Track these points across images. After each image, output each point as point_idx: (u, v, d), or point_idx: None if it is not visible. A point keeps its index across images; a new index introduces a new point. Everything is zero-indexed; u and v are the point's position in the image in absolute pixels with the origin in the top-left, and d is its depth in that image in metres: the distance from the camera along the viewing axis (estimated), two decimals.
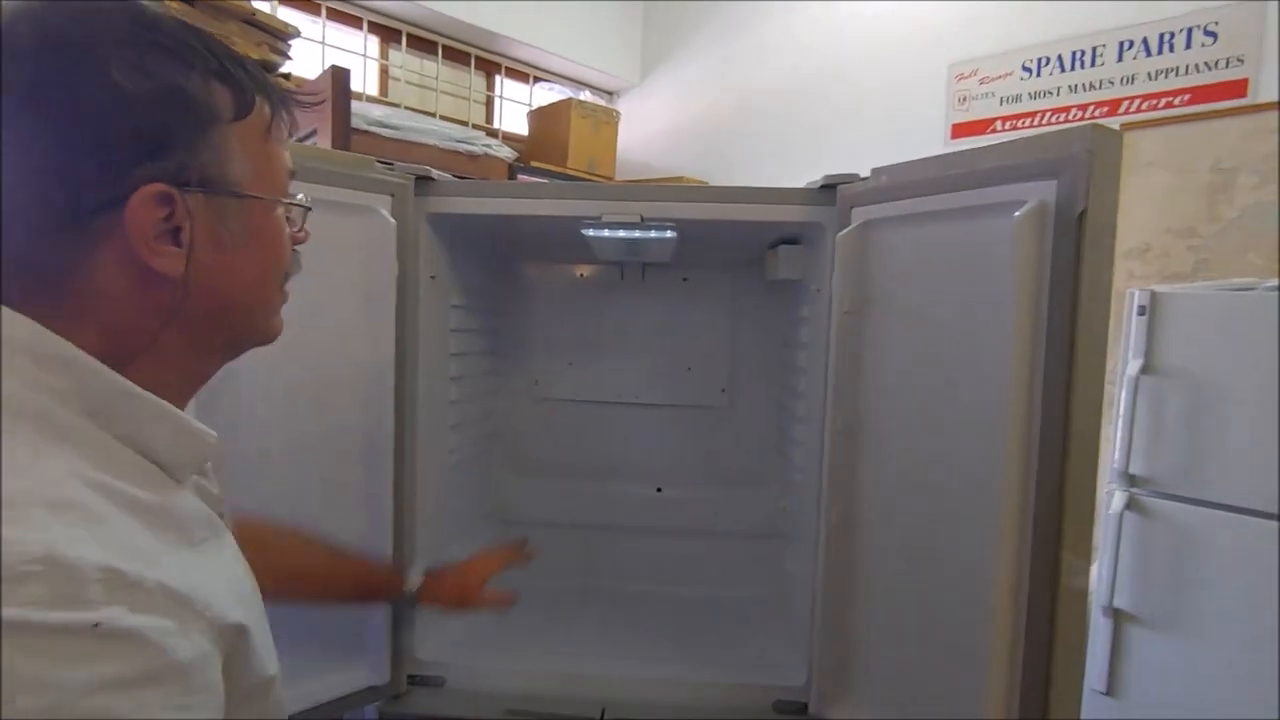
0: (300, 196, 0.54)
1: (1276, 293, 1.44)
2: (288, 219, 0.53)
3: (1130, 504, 1.59)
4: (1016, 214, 0.81)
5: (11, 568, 0.34)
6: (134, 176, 0.42)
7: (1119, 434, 1.60)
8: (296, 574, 0.87)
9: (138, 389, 0.45)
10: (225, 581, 0.48)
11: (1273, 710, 1.40)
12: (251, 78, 0.48)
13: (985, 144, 2.46)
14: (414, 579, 1.00)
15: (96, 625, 0.36)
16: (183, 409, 0.50)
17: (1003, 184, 0.85)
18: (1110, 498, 1.61)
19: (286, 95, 0.52)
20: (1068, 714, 0.84)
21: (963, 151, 0.92)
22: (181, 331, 0.47)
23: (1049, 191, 0.80)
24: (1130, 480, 1.60)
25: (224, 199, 0.47)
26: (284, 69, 2.15)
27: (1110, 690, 1.62)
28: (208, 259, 0.46)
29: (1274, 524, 1.42)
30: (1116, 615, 1.60)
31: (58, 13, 0.42)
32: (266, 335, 0.55)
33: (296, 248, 0.55)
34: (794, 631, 1.37)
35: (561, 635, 1.41)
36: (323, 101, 1.57)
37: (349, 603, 1.02)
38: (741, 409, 1.66)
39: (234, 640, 0.45)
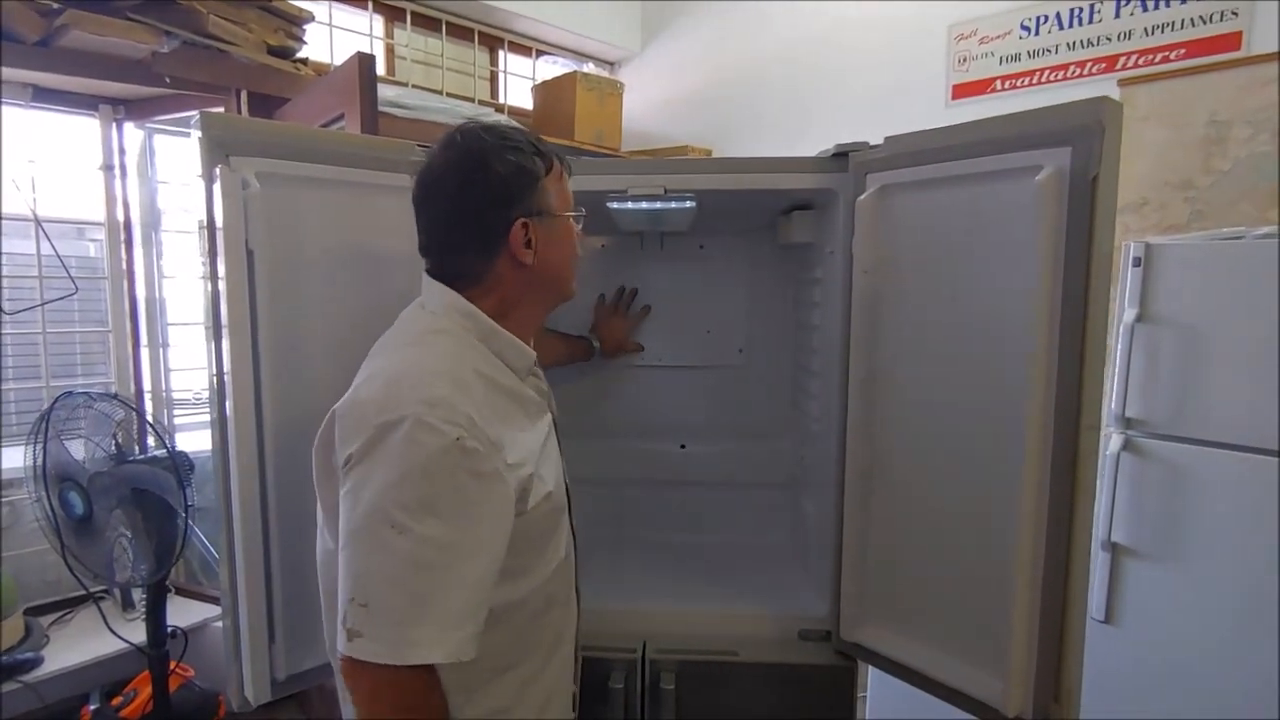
0: (582, 211, 0.97)
1: (1266, 240, 1.52)
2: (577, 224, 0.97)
3: (1126, 445, 1.69)
4: (1038, 178, 0.90)
5: (428, 400, 0.76)
6: (513, 215, 0.87)
7: (1115, 380, 1.70)
8: (545, 350, 1.42)
9: (499, 327, 0.90)
10: (537, 444, 0.91)
11: (1256, 631, 1.52)
12: (546, 149, 0.91)
13: (987, 104, 2.53)
14: (596, 342, 1.64)
15: (458, 439, 0.76)
16: (528, 339, 0.95)
17: (1016, 151, 0.94)
18: (1108, 440, 1.71)
19: (561, 152, 0.95)
20: (1078, 639, 0.95)
21: (977, 121, 1.01)
22: (533, 297, 0.93)
23: (1063, 158, 0.89)
24: (1126, 423, 1.70)
25: (546, 218, 0.90)
26: (300, 54, 2.20)
27: (1108, 618, 1.74)
28: (544, 251, 0.90)
29: (1260, 458, 1.52)
30: (1114, 549, 1.72)
31: (465, 137, 0.88)
32: (568, 295, 0.99)
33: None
34: (812, 570, 1.48)
35: (600, 579, 1.52)
36: None
37: (569, 363, 1.62)
38: (758, 367, 1.76)
39: (527, 482, 0.84)
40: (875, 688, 2.08)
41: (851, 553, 1.20)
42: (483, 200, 0.86)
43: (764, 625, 1.33)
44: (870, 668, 1.30)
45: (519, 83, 3.38)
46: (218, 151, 0.99)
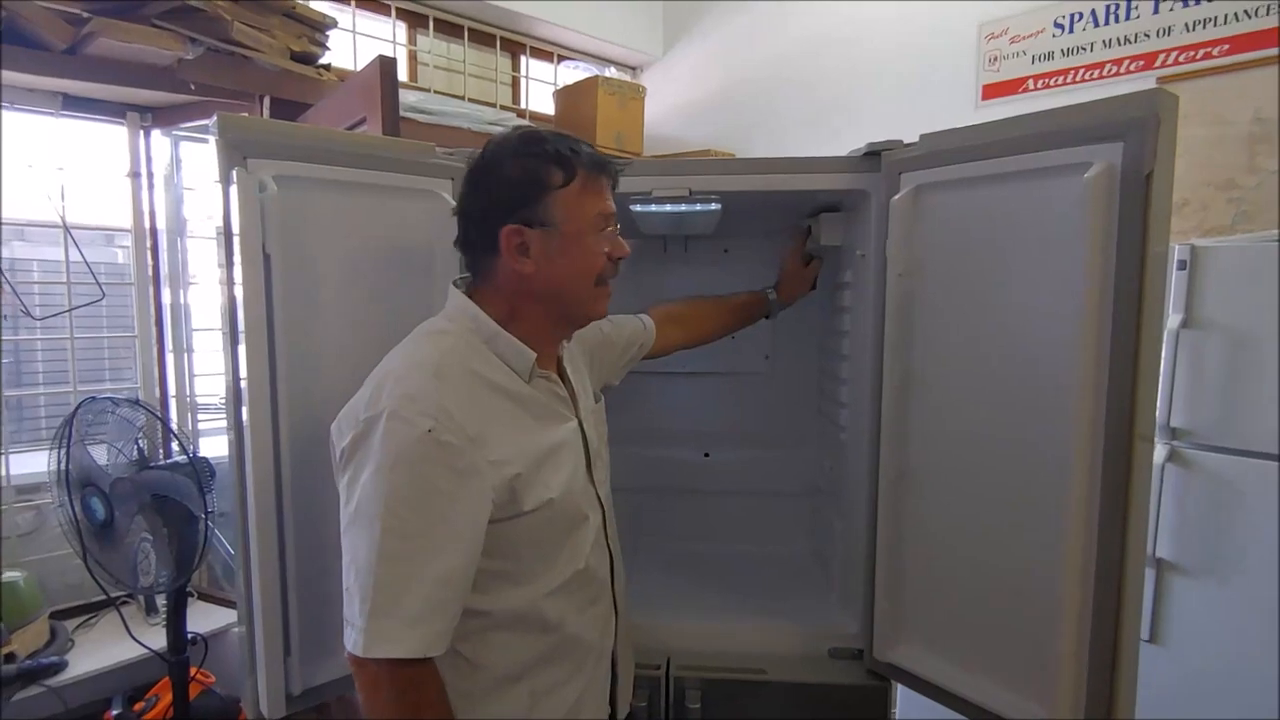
0: (609, 230, 0.92)
1: None
2: (606, 244, 0.91)
3: (1171, 456, 1.62)
4: (1087, 175, 0.85)
5: (406, 394, 0.79)
6: (505, 220, 0.86)
7: (1159, 388, 1.63)
8: (709, 319, 1.41)
9: (502, 330, 0.88)
10: (540, 447, 0.87)
11: None
12: (579, 158, 0.88)
13: (1018, 104, 2.46)
14: (770, 293, 1.48)
15: (430, 430, 0.77)
16: (548, 351, 0.93)
17: (1064, 147, 0.89)
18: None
19: (606, 162, 0.91)
20: (1132, 662, 0.90)
21: (1020, 116, 0.96)
22: (537, 306, 0.90)
23: (1114, 153, 0.84)
24: (1171, 433, 1.62)
25: (548, 230, 0.87)
26: (322, 60, 2.21)
27: (1153, 637, 1.66)
28: (545, 264, 0.87)
29: None
30: (1159, 565, 1.64)
31: (497, 139, 0.90)
32: (588, 316, 0.95)
33: (619, 260, 0.93)
34: (840, 584, 1.43)
35: None
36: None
37: (746, 324, 1.48)
38: (783, 374, 1.71)
39: (515, 482, 0.82)
40: (904, 706, 2.01)
41: (885, 568, 1.15)
42: (483, 201, 0.88)
43: (792, 642, 1.28)
44: (899, 686, 1.25)
45: (541, 88, 3.38)
46: (235, 154, 0.97)
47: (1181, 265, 1.60)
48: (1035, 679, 0.95)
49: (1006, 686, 1.00)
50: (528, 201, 0.86)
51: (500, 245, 0.86)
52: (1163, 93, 0.83)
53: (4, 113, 2.02)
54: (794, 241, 1.53)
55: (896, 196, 1.09)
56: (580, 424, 0.97)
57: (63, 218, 2.17)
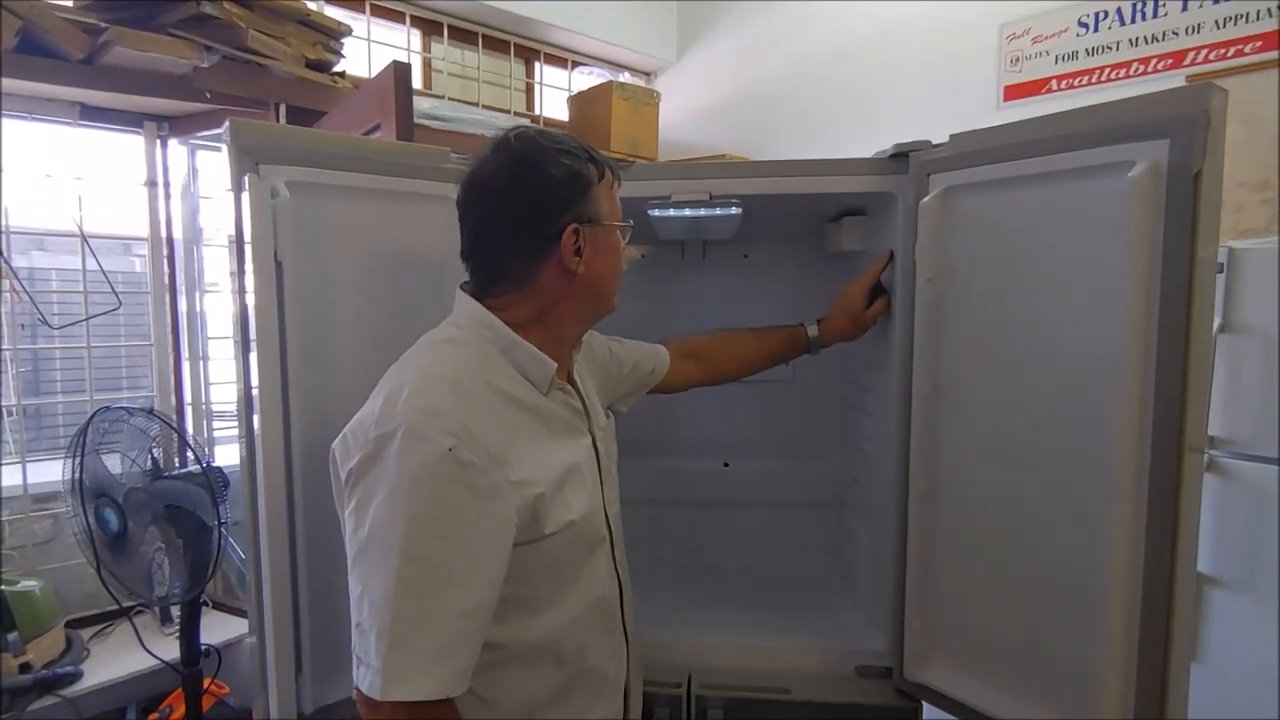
0: (630, 222, 0.92)
1: None
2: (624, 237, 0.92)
3: (1209, 465, 1.56)
4: (1132, 173, 0.81)
5: (422, 409, 0.73)
6: (565, 221, 0.82)
7: None
8: (734, 357, 1.28)
9: (519, 338, 0.83)
10: (561, 465, 0.83)
11: None
12: (600, 157, 0.87)
13: (1041, 105, 2.41)
14: (811, 329, 1.29)
15: (450, 449, 0.71)
16: (562, 357, 0.88)
17: (1105, 145, 0.85)
18: None
19: (614, 162, 0.91)
20: (1182, 686, 0.85)
21: (1058, 113, 0.92)
22: (571, 306, 0.87)
23: (1160, 151, 0.80)
24: (1209, 442, 1.57)
25: (597, 227, 0.85)
26: (337, 67, 2.20)
27: (1191, 654, 1.60)
28: (592, 261, 0.85)
29: None
30: (1197, 579, 1.58)
31: (519, 140, 0.83)
32: (610, 308, 0.92)
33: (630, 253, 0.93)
34: (865, 598, 1.38)
35: (640, 605, 1.45)
36: None
37: (779, 362, 1.32)
38: (805, 382, 1.67)
39: (538, 503, 0.77)
40: None
41: (915, 583, 1.11)
42: (534, 203, 0.82)
43: (817, 659, 1.24)
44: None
45: (555, 94, 3.37)
46: (246, 160, 0.96)
47: (1219, 268, 1.55)
48: (1078, 703, 0.91)
49: (1047, 710, 0.95)
50: (578, 199, 0.83)
51: (559, 247, 0.82)
52: (1212, 87, 0.79)
53: (23, 123, 2.03)
54: (865, 272, 1.27)
55: (925, 199, 1.05)
56: (594, 441, 0.93)
57: (80, 227, 2.17)
